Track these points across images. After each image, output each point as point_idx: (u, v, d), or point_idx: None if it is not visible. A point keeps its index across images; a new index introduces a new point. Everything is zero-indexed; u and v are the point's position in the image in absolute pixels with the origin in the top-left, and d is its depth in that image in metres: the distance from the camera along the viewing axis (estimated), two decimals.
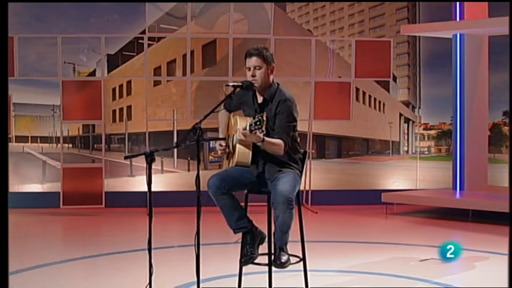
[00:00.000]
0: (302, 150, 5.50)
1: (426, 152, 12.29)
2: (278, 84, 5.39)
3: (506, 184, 11.07)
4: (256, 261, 5.33)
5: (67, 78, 10.70)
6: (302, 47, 11.09)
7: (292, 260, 5.26)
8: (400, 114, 12.24)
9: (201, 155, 11.75)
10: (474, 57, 10.40)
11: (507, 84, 10.75)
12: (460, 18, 10.38)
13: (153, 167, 10.36)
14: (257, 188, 5.39)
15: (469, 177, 10.40)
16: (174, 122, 11.40)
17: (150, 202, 5.24)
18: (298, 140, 5.54)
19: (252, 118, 5.18)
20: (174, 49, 11.54)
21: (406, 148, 12.27)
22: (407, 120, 12.26)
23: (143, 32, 10.75)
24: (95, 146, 11.69)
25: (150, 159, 5.20)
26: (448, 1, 10.56)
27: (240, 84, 5.24)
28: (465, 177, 10.38)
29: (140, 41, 11.22)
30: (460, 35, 10.31)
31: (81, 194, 10.34)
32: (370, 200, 10.93)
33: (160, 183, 11.19)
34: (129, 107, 11.77)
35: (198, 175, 4.94)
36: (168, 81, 11.73)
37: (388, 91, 12.20)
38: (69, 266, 6.77)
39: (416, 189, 11.16)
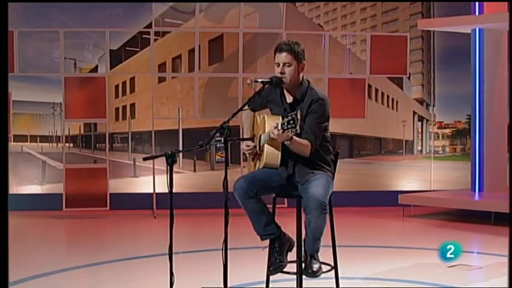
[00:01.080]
0: (334, 151, 5.28)
1: (441, 152, 12.08)
2: (309, 82, 5.17)
3: None
4: (285, 269, 5.12)
5: (69, 75, 10.41)
6: (313, 42, 10.85)
7: (324, 268, 5.05)
8: (414, 113, 12.02)
9: (208, 154, 11.66)
10: (493, 53, 10.19)
11: None
12: (479, 14, 10.18)
13: (156, 167, 10.25)
14: (286, 192, 5.18)
15: (488, 178, 10.19)
16: (179, 120, 11.15)
17: (171, 206, 5.06)
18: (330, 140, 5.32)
19: (282, 117, 4.98)
20: (180, 44, 11.30)
21: (419, 148, 12.06)
22: (421, 119, 12.05)
23: (149, 26, 10.48)
24: (97, 145, 11.44)
25: (171, 161, 5.00)
26: (467, 1, 10.35)
27: (269, 80, 5.01)
28: (484, 178, 10.17)
29: (144, 35, 10.98)
30: (479, 30, 10.09)
31: (85, 196, 10.06)
32: (385, 201, 10.71)
33: (165, 184, 10.87)
34: (132, 105, 11.52)
35: (225, 178, 4.68)
36: (172, 77, 11.49)
37: (402, 88, 11.99)
38: (73, 274, 6.49)
39: (432, 191, 10.95)
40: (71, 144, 11.40)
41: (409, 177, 11.74)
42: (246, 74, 10.41)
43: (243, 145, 5.31)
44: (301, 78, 5.11)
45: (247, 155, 5.40)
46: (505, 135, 10.44)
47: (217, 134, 4.75)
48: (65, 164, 10.21)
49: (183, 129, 11.21)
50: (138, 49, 11.30)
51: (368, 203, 10.81)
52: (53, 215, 10.13)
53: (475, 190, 10.21)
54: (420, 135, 12.10)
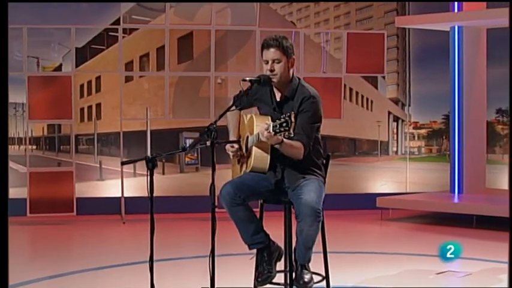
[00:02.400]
0: (325, 154, 5.06)
1: (416, 153, 11.96)
2: (299, 79, 4.94)
3: (503, 186, 10.78)
4: (274, 280, 4.89)
5: (33, 74, 10.06)
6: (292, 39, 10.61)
7: (315, 278, 4.82)
8: (389, 113, 11.87)
9: (177, 156, 11.39)
10: (472, 51, 10.08)
11: (500, 81, 10.47)
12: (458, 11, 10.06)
13: (124, 170, 9.95)
14: (275, 198, 4.95)
15: (467, 180, 10.07)
16: (147, 121, 10.86)
17: (152, 213, 4.76)
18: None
19: (271, 117, 4.77)
20: (147, 42, 11.01)
21: (395, 148, 11.91)
22: (396, 119, 11.90)
23: (116, 23, 10.17)
24: (61, 147, 11.10)
25: (152, 165, 4.73)
26: (446, 1, 10.22)
27: (258, 79, 4.77)
28: (463, 179, 10.04)
29: (111, 33, 10.68)
30: (458, 27, 9.96)
31: (50, 201, 9.69)
32: (361, 204, 10.54)
33: (133, 187, 10.60)
34: (98, 105, 11.20)
35: (213, 183, 4.43)
36: (140, 77, 11.20)
37: (376, 88, 11.84)
38: (36, 287, 6.09)
39: (408, 193, 10.79)
40: (34, 147, 11.04)
41: (384, 179, 11.58)
42: (218, 73, 10.19)
43: (227, 145, 5.05)
44: (291, 75, 4.89)
45: (231, 157, 5.15)
46: (484, 135, 10.35)
47: (204, 136, 4.47)
48: (28, 167, 9.85)
49: (151, 131, 10.91)
50: (104, 47, 10.99)
51: (344, 207, 10.59)
52: (16, 221, 9.70)
53: (454, 192, 10.09)
54: (395, 135, 11.97)
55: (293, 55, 4.87)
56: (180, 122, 10.91)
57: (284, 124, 4.35)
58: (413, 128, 11.97)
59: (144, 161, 4.68)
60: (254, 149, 4.80)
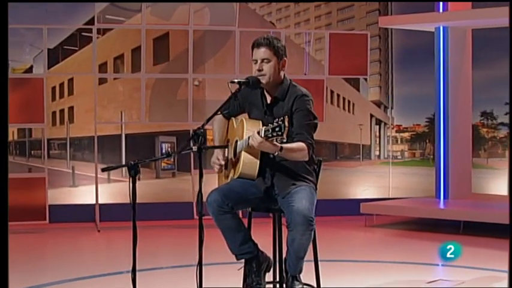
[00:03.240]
0: (316, 159, 4.91)
1: (399, 157, 11.89)
2: (290, 80, 4.80)
3: (490, 191, 10.78)
4: None
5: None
6: None
7: None
8: (371, 115, 11.77)
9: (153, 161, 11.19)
10: (458, 52, 10.01)
11: (484, 83, 10.42)
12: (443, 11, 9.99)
13: (98, 175, 9.76)
14: (265, 205, 4.80)
15: (453, 185, 9.98)
16: (122, 125, 10.67)
17: (134, 222, 4.63)
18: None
19: (261, 122, 4.66)
20: (122, 43, 10.82)
21: (377, 152, 11.81)
22: (378, 122, 11.82)
23: (89, 23, 9.97)
24: (32, 152, 10.86)
25: (134, 172, 4.58)
26: (431, 1, 10.14)
27: (246, 80, 4.63)
28: (449, 184, 9.95)
29: (84, 33, 10.47)
30: (443, 28, 9.88)
31: (22, 209, 9.42)
32: (344, 210, 10.42)
33: (107, 194, 10.42)
34: (70, 108, 10.97)
35: (200, 191, 4.26)
36: (114, 79, 11.00)
37: (358, 90, 11.73)
38: None
39: (391, 198, 10.68)
40: None
41: (367, 184, 11.47)
42: (196, 75, 10.02)
43: (214, 158, 4.91)
44: (282, 76, 4.76)
45: (216, 171, 5.01)
46: (470, 138, 10.28)
47: (191, 142, 4.31)
48: None
49: (125, 135, 10.72)
50: (76, 48, 10.78)
51: (327, 212, 10.41)
52: None
53: (439, 197, 10.00)
54: (378, 139, 11.88)
55: (284, 56, 4.75)
56: (155, 126, 10.74)
57: (277, 129, 4.20)
58: (396, 132, 11.90)
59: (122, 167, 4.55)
60: (243, 154, 4.65)
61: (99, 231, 9.42)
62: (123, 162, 10.89)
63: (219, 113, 4.84)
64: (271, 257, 4.83)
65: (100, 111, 10.27)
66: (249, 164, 4.65)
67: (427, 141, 11.66)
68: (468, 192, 10.16)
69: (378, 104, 11.82)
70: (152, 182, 10.92)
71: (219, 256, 5.35)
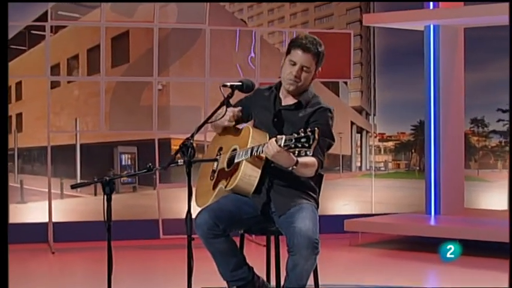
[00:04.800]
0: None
1: (383, 168, 11.82)
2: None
3: (482, 206, 10.80)
4: None
5: None
6: (233, 40, 10.34)
7: None
8: (352, 123, 11.69)
9: (111, 174, 10.96)
10: (450, 53, 9.86)
11: (475, 87, 10.35)
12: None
13: (52, 191, 9.50)
14: (261, 226, 4.59)
15: (445, 199, 9.84)
16: (77, 134, 10.42)
17: (110, 245, 4.57)
18: None
19: (267, 134, 4.53)
20: (77, 42, 10.59)
21: (359, 164, 11.74)
22: (360, 130, 11.76)
23: (41, 19, 9.69)
24: None
25: (109, 189, 4.39)
26: (420, 1, 10.04)
27: (239, 84, 4.44)
28: (441, 199, 9.83)
29: (33, 31, 10.22)
30: (434, 26, 9.77)
31: None
32: (325, 228, 10.20)
33: (61, 211, 10.12)
34: (19, 115, 10.70)
35: (189, 211, 4.06)
36: (68, 82, 10.74)
37: (338, 95, 11.62)
38: None
39: (377, 214, 10.49)
40: None
41: (347, 199, 11.35)
42: (161, 78, 9.80)
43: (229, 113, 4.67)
44: (310, 86, 4.63)
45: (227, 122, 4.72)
46: (462, 148, 10.16)
47: (180, 154, 4.12)
48: None
49: (81, 145, 10.49)
50: (25, 47, 10.51)
51: None
52: None
53: (430, 213, 9.83)
54: (359, 149, 11.82)
55: (321, 65, 4.63)
56: (114, 135, 10.52)
57: (303, 140, 4.00)
58: (379, 141, 11.88)
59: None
60: (244, 164, 4.42)
61: (53, 253, 9.13)
62: (78, 175, 10.70)
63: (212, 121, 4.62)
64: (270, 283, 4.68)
65: (52, 119, 10.00)
66: (248, 176, 4.44)
67: (413, 150, 11.61)
68: (461, 208, 10.04)
69: (359, 110, 11.79)
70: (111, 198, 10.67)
71: (206, 280, 5.13)
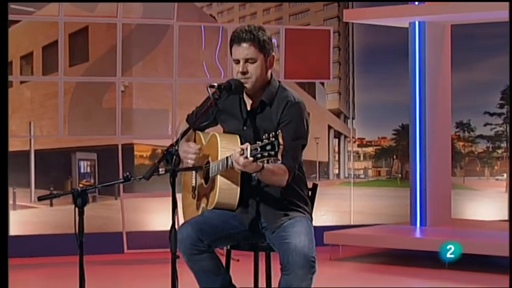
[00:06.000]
0: (310, 184, 4.60)
1: (362, 176, 11.76)
2: (279, 82, 4.45)
3: (466, 216, 10.79)
4: None
5: None
6: (201, 37, 10.21)
7: None
8: (329, 127, 11.62)
9: (69, 182, 10.77)
10: (436, 51, 9.80)
11: (460, 89, 10.30)
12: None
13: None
14: (249, 242, 4.45)
15: (431, 209, 9.76)
16: (31, 139, 10.23)
17: (82, 263, 4.34)
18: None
19: (239, 137, 4.37)
20: (31, 39, 10.39)
21: (336, 171, 11.67)
22: (337, 135, 11.71)
23: None
24: None
25: (81, 202, 4.23)
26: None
27: (228, 84, 4.26)
28: (427, 209, 9.75)
29: None
30: (419, 23, 9.70)
31: None
32: None
33: (13, 223, 9.91)
34: None
35: (173, 227, 3.89)
36: (21, 82, 10.53)
37: (314, 97, 11.53)
38: None
39: (357, 226, 10.38)
40: None
41: (324, 208, 11.22)
42: (125, 79, 9.63)
43: (186, 153, 4.44)
44: (269, 77, 4.40)
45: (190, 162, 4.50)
46: (449, 154, 10.10)
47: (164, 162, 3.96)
48: None
49: (35, 151, 10.29)
50: None
51: None
52: None
53: (415, 224, 9.74)
54: (337, 155, 11.77)
55: (272, 52, 4.39)
56: (71, 140, 10.31)
57: (268, 147, 3.83)
58: (358, 146, 11.85)
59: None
60: (219, 179, 4.27)
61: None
62: (32, 184, 10.49)
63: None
64: None
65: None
66: (227, 190, 4.29)
67: (395, 157, 11.57)
68: (448, 218, 9.96)
69: (336, 113, 11.73)
70: (68, 209, 10.37)
71: None
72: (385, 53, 10.82)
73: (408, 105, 9.77)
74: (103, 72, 9.72)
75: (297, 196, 4.43)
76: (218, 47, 9.99)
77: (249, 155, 3.86)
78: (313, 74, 10.08)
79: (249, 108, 4.42)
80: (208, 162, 4.43)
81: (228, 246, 4.56)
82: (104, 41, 9.99)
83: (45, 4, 9.98)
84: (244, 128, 4.39)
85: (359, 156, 11.80)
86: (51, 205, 10.46)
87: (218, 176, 4.27)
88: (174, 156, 3.90)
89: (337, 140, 11.70)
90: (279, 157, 3.83)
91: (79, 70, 10.35)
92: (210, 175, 4.37)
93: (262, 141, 3.84)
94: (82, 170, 10.50)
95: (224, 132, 4.51)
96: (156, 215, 9.53)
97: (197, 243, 4.24)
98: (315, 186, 4.66)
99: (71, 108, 9.99)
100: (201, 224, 4.30)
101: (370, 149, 11.81)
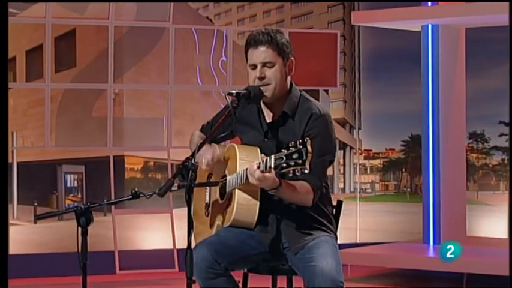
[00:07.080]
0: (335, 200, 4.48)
1: (369, 190, 11.70)
2: (300, 91, 4.37)
3: (481, 233, 10.70)
4: None
5: None
6: (196, 41, 10.14)
7: None
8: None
9: (54, 197, 10.65)
10: (450, 57, 9.74)
11: (474, 96, 10.22)
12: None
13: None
14: (269, 264, 4.33)
15: (445, 227, 9.66)
16: (13, 151, 10.13)
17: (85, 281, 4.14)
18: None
19: (259, 149, 4.23)
20: (14, 43, 10.21)
21: (341, 185, 11.62)
22: (343, 146, 11.68)
23: None
24: None
25: (84, 221, 4.11)
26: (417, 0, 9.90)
27: (246, 91, 4.13)
28: (441, 226, 9.65)
29: None
30: (433, 26, 9.61)
31: None
32: None
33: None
34: None
35: (189, 248, 3.74)
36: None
37: None
38: None
39: (364, 244, 10.27)
40: None
41: None
42: (118, 86, 9.52)
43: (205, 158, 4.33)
44: (289, 85, 4.32)
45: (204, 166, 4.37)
46: (464, 167, 10.04)
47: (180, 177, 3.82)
48: None
49: (17, 163, 10.20)
50: None
51: None
52: None
53: (429, 243, 9.65)
54: (342, 168, 11.70)
55: (291, 56, 4.30)
56: (57, 152, 10.22)
57: (295, 155, 3.70)
58: (365, 158, 11.81)
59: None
60: (237, 193, 4.13)
61: None
62: (15, 199, 10.39)
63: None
64: None
65: None
66: (245, 207, 4.16)
67: (404, 170, 11.52)
68: (463, 236, 9.87)
69: (341, 123, 11.66)
70: (54, 225, 10.32)
71: None
72: (393, 58, 10.77)
73: (418, 114, 9.70)
74: (92, 79, 9.66)
75: (321, 213, 4.30)
76: (212, 51, 9.92)
77: (272, 164, 3.73)
78: (318, 80, 10.00)
79: (269, 120, 4.28)
80: (224, 176, 4.28)
81: (246, 270, 4.40)
82: (92, 45, 9.99)
83: (28, 5, 9.88)
84: (266, 140, 4.26)
85: (365, 169, 11.78)
86: (35, 222, 10.37)
87: (236, 190, 4.14)
88: (191, 171, 3.76)
89: (342, 151, 11.67)
90: (307, 166, 3.68)
91: (66, 76, 10.29)
92: (227, 189, 4.24)
93: (288, 149, 3.70)
94: (68, 184, 10.42)
95: (242, 143, 4.37)
96: (149, 232, 9.41)
97: (213, 265, 4.10)
98: (339, 203, 4.53)
99: (58, 117, 9.88)
100: (217, 245, 4.16)
101: (377, 162, 11.78)
